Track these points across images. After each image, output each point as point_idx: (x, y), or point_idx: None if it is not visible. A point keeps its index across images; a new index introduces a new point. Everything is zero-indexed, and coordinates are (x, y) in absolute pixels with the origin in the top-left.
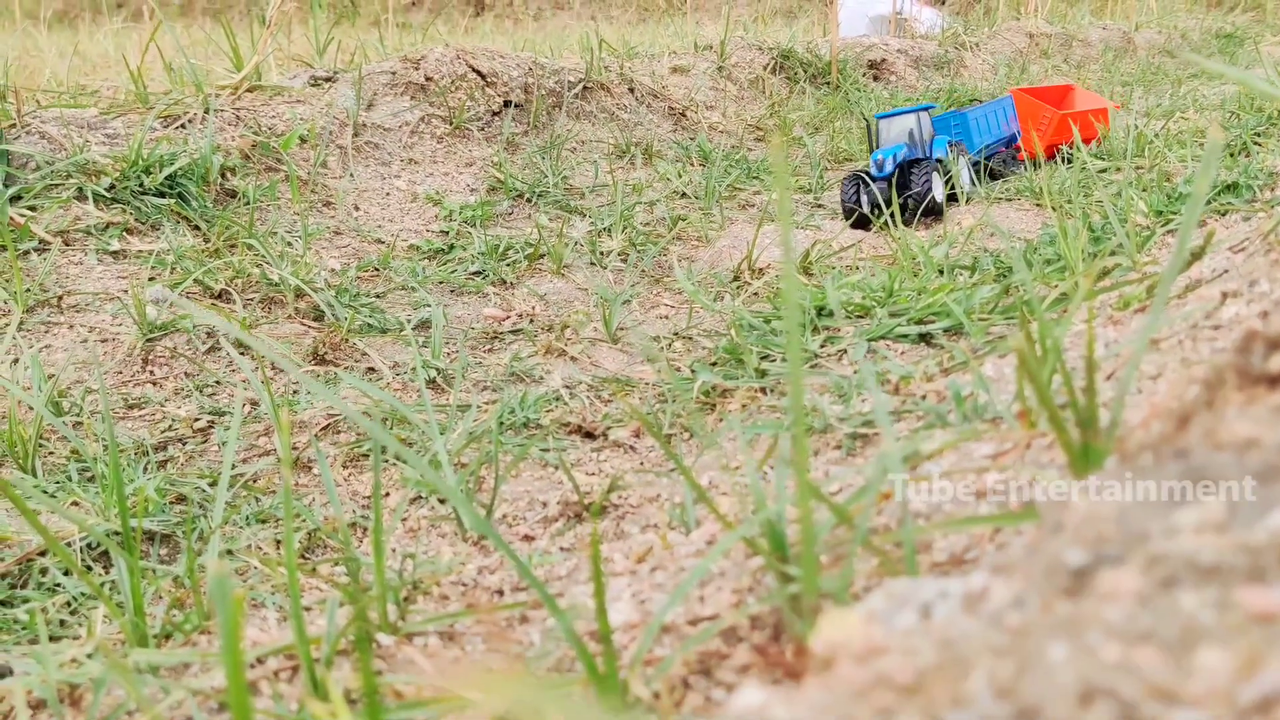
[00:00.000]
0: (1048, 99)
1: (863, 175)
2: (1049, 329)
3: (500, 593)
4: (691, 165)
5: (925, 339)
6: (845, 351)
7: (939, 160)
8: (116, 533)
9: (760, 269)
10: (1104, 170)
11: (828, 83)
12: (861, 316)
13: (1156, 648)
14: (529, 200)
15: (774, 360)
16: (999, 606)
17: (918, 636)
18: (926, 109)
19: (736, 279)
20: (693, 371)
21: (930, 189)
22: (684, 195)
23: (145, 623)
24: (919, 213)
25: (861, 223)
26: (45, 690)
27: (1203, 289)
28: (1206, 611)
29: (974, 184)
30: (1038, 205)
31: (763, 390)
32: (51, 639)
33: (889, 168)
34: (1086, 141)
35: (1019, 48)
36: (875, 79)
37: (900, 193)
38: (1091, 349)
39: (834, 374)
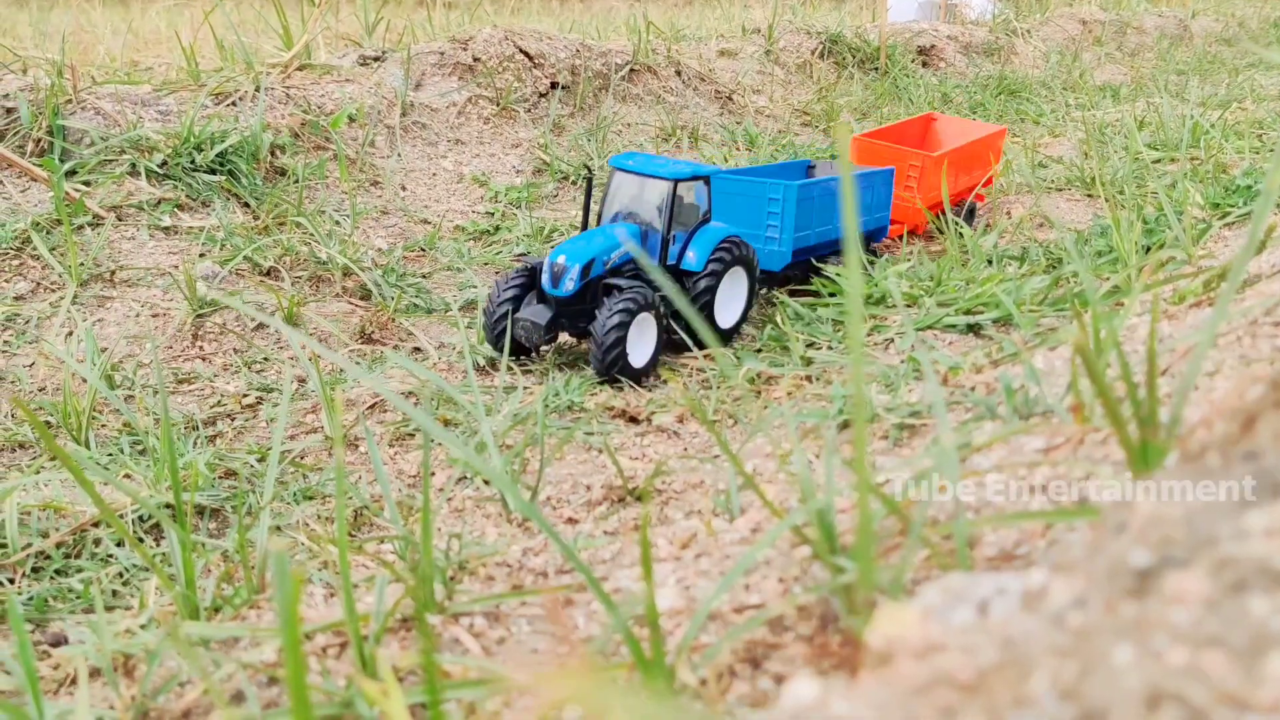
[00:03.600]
0: (903, 138)
1: (535, 273)
2: (1104, 321)
3: (545, 575)
4: (738, 149)
5: (974, 329)
6: (892, 340)
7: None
8: (169, 506)
9: None
10: (1158, 160)
11: (876, 68)
12: (909, 305)
13: (1225, 653)
14: (573, 182)
15: (820, 348)
16: (1060, 606)
17: (977, 634)
18: (704, 175)
19: None
20: (738, 358)
21: (618, 343)
22: None
23: (196, 595)
24: (606, 364)
25: (516, 347)
26: (101, 659)
27: (1262, 284)
28: (1278, 618)
29: (747, 314)
30: (1089, 195)
31: (809, 378)
32: (105, 609)
33: (569, 285)
34: (987, 184)
35: (1071, 35)
36: (924, 65)
37: (575, 322)
38: (1153, 343)
39: (880, 363)
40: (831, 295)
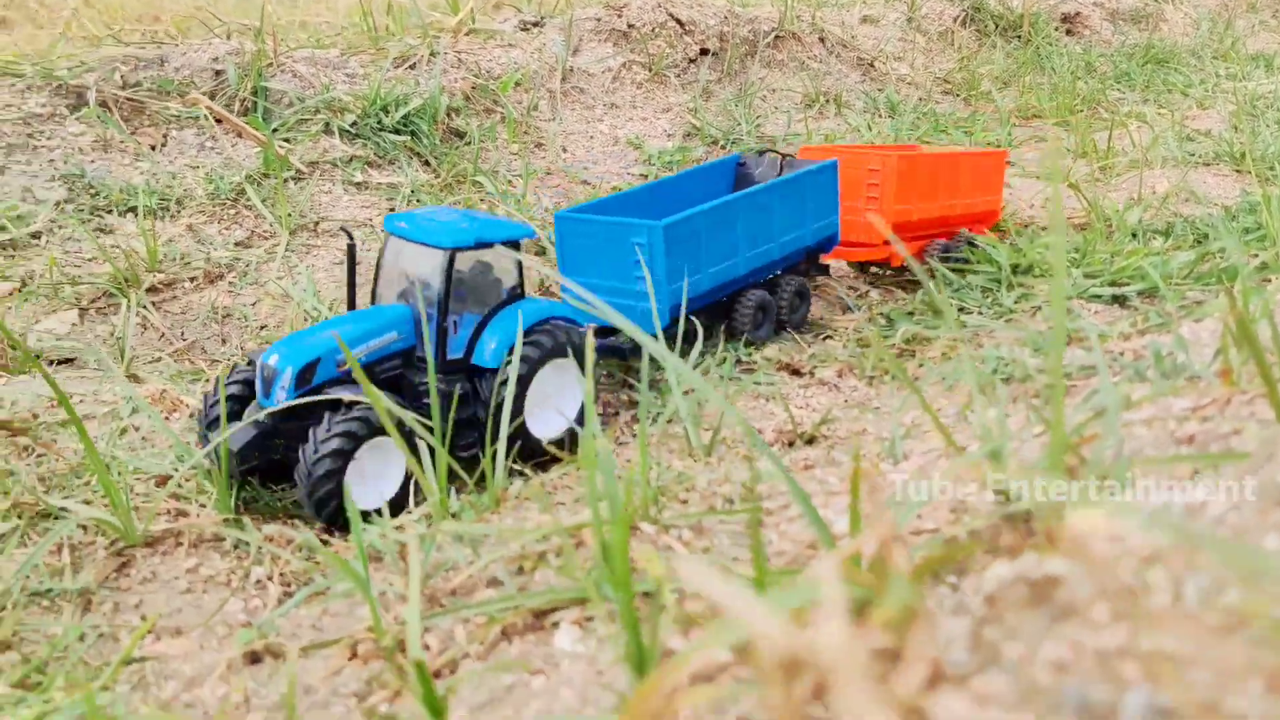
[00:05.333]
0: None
1: (249, 377)
2: (1254, 295)
3: (731, 500)
4: (879, 117)
5: (1119, 300)
6: (1039, 308)
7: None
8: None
9: None
10: None
11: (1019, 36)
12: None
13: None
14: (723, 147)
15: (970, 313)
16: (1219, 513)
17: (1153, 529)
18: (507, 240)
19: None
20: (889, 320)
21: (330, 478)
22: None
23: (447, 501)
24: (314, 503)
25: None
26: (385, 546)
27: None
28: None
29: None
30: (1238, 171)
31: (962, 341)
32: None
33: (281, 394)
34: (984, 222)
35: (1224, 0)
36: (1069, 33)
37: (294, 442)
38: None
39: (1031, 329)
40: (979, 264)
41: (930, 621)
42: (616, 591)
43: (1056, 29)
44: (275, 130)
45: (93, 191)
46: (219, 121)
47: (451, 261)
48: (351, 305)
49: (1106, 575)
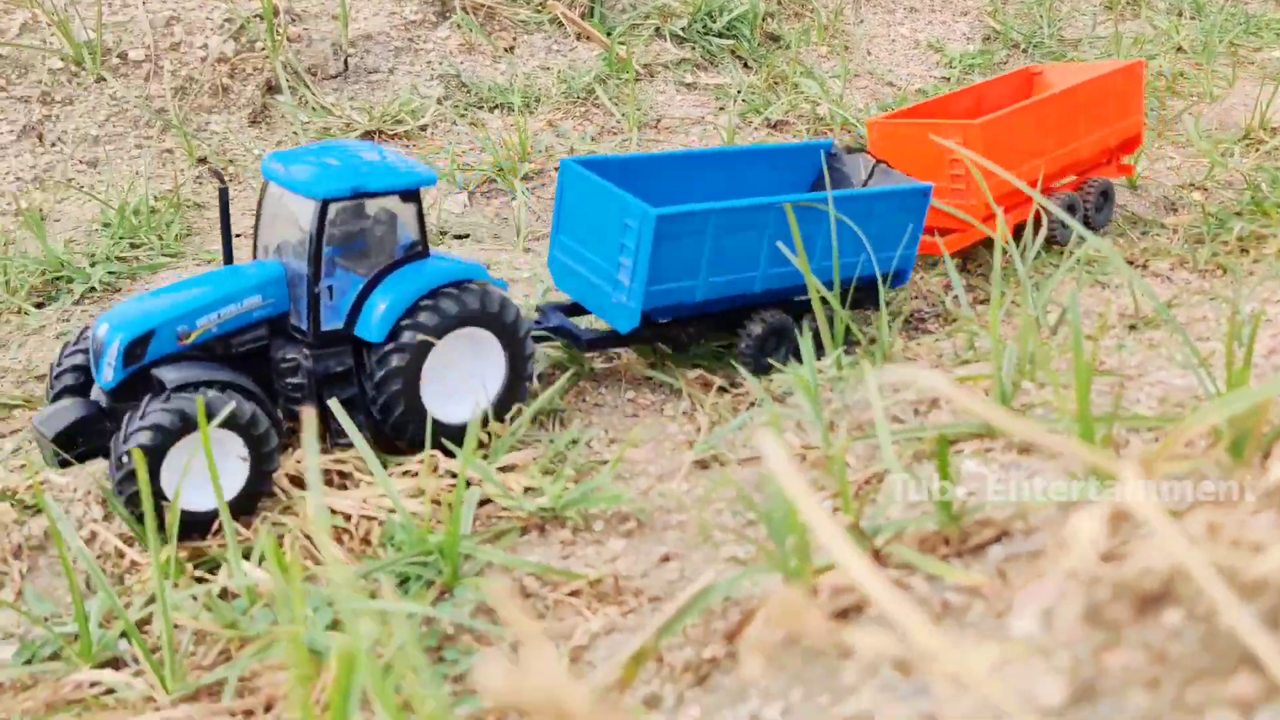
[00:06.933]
0: (982, 105)
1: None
2: None
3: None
4: (1184, 18)
5: None
6: None
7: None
8: None
9: (1275, 128)
10: None
11: None
12: None
13: None
14: (1024, 50)
15: None
16: None
17: None
18: (403, 189)
19: (1247, 136)
20: (1216, 219)
21: (133, 473)
22: (1180, 50)
23: (842, 357)
24: (124, 496)
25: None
26: (803, 386)
27: None
28: None
29: (513, 398)
30: None
31: None
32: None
33: (108, 371)
34: (1125, 150)
35: None
36: None
37: (107, 433)
38: None
39: None
40: None
41: None
42: (1077, 422)
43: None
44: (609, 34)
45: (466, 89)
46: (562, 25)
47: (324, 214)
48: (228, 260)
49: None
